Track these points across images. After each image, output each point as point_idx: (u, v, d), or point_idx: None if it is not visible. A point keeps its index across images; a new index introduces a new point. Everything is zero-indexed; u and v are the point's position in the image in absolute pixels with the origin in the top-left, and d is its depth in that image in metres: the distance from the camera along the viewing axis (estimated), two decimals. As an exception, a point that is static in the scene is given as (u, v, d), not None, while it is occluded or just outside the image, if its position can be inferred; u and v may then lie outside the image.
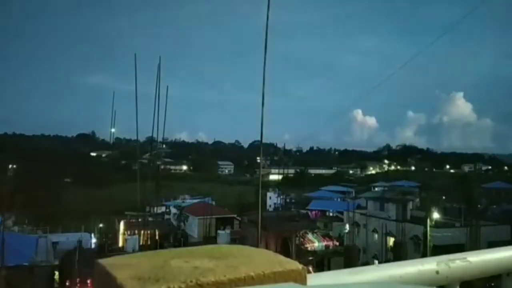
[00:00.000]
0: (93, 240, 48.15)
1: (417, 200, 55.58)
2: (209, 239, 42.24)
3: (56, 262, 37.25)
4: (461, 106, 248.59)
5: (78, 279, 31.00)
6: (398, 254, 37.30)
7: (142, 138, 72.24)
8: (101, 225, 49.94)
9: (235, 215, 48.71)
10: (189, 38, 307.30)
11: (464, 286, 1.51)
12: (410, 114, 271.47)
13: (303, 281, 0.98)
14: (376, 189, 76.06)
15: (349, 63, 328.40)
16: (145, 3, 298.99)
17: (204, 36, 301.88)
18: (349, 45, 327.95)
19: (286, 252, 32.71)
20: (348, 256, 40.64)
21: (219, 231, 44.93)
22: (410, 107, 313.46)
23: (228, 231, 44.96)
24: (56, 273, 36.01)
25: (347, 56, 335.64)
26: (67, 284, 32.63)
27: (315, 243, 42.68)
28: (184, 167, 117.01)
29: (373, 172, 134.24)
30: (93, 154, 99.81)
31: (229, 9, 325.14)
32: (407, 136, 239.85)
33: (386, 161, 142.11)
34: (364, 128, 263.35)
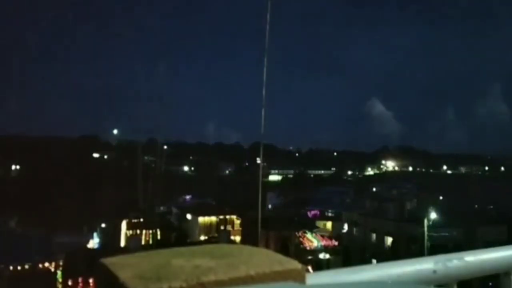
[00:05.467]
0: (96, 240, 48.71)
1: (415, 200, 56.10)
2: (210, 238, 42.82)
3: (59, 262, 37.77)
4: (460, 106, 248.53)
5: (80, 279, 31.54)
6: (395, 253, 37.81)
7: (144, 139, 72.95)
8: (103, 225, 50.38)
9: (235, 215, 49.22)
10: (190, 37, 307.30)
11: (461, 286, 1.53)
12: (409, 114, 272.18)
13: (302, 280, 1.00)
14: (374, 189, 76.80)
15: (353, 58, 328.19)
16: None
17: (206, 35, 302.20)
18: (353, 39, 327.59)
19: (285, 252, 33.23)
20: (346, 255, 41.30)
21: (219, 231, 45.54)
22: (408, 106, 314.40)
23: (228, 230, 45.53)
24: (59, 272, 36.50)
25: (351, 51, 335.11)
26: (69, 283, 33.06)
27: (314, 243, 43.23)
28: (186, 168, 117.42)
29: (371, 173, 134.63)
30: (95, 155, 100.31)
31: (231, 8, 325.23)
32: (406, 136, 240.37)
33: (384, 162, 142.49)
34: (363, 128, 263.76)
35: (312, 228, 46.52)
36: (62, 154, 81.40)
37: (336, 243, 44.31)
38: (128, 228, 45.50)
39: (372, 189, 78.31)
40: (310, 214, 58.85)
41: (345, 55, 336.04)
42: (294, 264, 1.00)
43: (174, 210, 56.09)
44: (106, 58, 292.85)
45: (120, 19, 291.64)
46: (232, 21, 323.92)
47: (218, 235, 43.09)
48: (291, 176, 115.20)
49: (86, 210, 56.50)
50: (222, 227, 46.96)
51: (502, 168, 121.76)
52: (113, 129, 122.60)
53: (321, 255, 41.76)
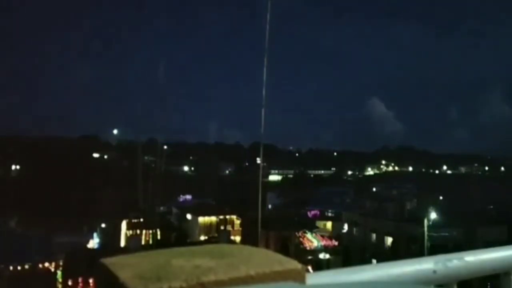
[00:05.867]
0: (96, 240, 48.78)
1: (415, 200, 56.16)
2: (210, 238, 42.88)
3: (59, 262, 37.84)
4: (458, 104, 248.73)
5: (80, 279, 31.60)
6: (395, 253, 37.86)
7: (144, 139, 73.07)
8: (103, 225, 50.45)
9: (235, 215, 49.30)
10: (191, 37, 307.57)
11: (461, 286, 1.52)
12: (409, 113, 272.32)
13: (302, 280, 1.00)
14: (374, 189, 76.92)
15: (353, 57, 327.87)
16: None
17: (206, 35, 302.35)
18: (354, 38, 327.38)
19: (285, 252, 33.25)
20: (346, 255, 41.36)
21: (219, 231, 45.59)
22: (409, 106, 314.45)
23: (228, 230, 45.58)
24: (59, 272, 36.56)
25: (351, 50, 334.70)
26: (69, 283, 33.12)
27: (314, 243, 43.29)
28: (186, 168, 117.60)
29: (371, 173, 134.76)
30: (95, 155, 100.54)
31: (231, 8, 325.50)
32: (406, 135, 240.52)
33: (384, 162, 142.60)
34: (363, 128, 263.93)
35: (312, 228, 46.58)
36: (62, 154, 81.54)
37: (336, 243, 44.38)
38: (128, 228, 45.55)
39: (372, 189, 78.47)
40: (310, 214, 58.92)
41: (346, 54, 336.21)
42: (294, 264, 1.00)
43: (174, 210, 56.16)
44: (106, 58, 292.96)
45: (120, 19, 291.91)
46: (232, 20, 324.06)
47: (218, 235, 43.18)
48: (291, 176, 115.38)
49: (86, 210, 56.62)
50: (222, 227, 47.03)
51: (502, 168, 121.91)
52: (113, 129, 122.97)
53: (321, 255, 41.82)
